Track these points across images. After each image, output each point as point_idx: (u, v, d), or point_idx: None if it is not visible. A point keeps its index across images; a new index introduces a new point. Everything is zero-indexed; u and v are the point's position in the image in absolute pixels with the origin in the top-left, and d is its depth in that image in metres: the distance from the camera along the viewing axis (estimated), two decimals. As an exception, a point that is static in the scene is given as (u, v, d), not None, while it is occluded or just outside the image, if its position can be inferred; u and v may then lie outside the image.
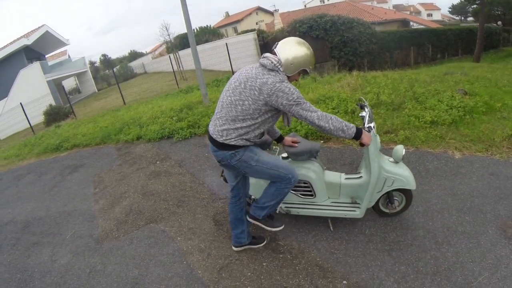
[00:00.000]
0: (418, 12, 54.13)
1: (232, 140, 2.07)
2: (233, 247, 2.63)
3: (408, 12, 44.49)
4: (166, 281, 2.50)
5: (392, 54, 18.40)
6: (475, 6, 31.66)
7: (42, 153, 7.29)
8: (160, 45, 38.67)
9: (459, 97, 4.71)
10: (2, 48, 19.24)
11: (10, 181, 6.00)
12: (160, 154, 5.24)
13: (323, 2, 39.83)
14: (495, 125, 4.01)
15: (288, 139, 2.62)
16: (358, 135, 2.04)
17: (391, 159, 2.52)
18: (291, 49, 2.03)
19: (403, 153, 2.43)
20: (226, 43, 14.65)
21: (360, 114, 2.45)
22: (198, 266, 2.57)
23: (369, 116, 2.32)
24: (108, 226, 3.45)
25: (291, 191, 2.62)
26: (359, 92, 5.59)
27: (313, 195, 2.62)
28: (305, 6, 40.82)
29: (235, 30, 35.76)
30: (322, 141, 4.33)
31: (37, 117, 14.01)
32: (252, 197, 2.94)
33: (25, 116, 13.19)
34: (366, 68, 14.80)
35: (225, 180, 2.86)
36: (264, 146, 2.56)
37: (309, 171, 2.55)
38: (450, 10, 52.50)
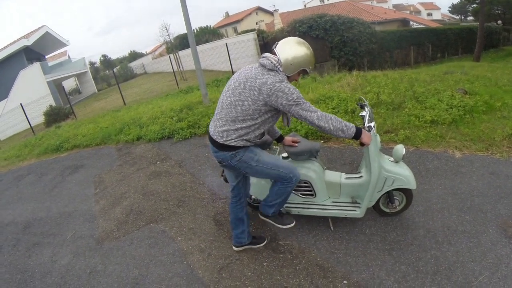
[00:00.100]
0: (418, 12, 54.12)
1: (232, 141, 2.07)
2: (234, 247, 2.63)
3: (408, 12, 44.48)
4: (167, 281, 2.50)
5: (392, 53, 18.40)
6: (475, 5, 31.63)
7: (43, 154, 7.29)
8: (160, 46, 38.68)
9: (459, 96, 4.71)
10: (2, 49, 19.24)
11: (10, 182, 6.00)
12: (160, 154, 5.24)
13: (323, 2, 39.80)
14: (495, 124, 4.00)
15: (288, 139, 2.62)
16: (357, 134, 2.04)
17: (391, 159, 2.52)
18: (291, 49, 2.03)
19: (403, 153, 2.42)
20: (226, 43, 14.66)
21: (360, 114, 2.45)
22: (198, 266, 2.57)
23: (369, 116, 2.32)
24: (109, 227, 3.45)
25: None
26: (359, 92, 5.59)
27: (313, 194, 2.62)
28: (305, 6, 40.82)
29: (235, 30, 35.77)
30: (322, 141, 4.33)
31: (37, 118, 14.02)
32: (253, 197, 2.95)
33: (25, 117, 13.21)
34: (366, 68, 14.79)
35: (225, 180, 2.86)
36: (264, 146, 2.56)
37: (309, 170, 2.55)
38: (450, 9, 52.53)
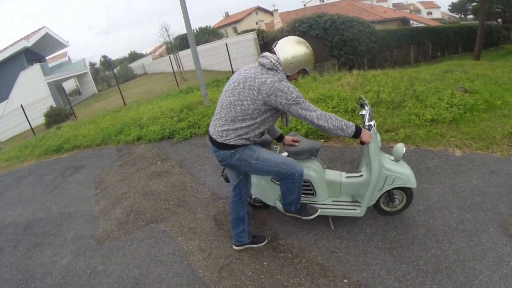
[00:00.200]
0: (418, 11, 54.09)
1: (232, 140, 2.07)
2: (234, 246, 2.63)
3: (408, 11, 44.43)
4: (167, 281, 2.50)
5: (392, 52, 18.38)
6: (475, 4, 31.64)
7: (43, 155, 7.30)
8: (160, 46, 38.73)
9: (459, 95, 4.70)
10: (2, 50, 19.28)
11: (11, 182, 6.01)
12: (160, 154, 5.24)
13: (323, 1, 39.77)
14: (496, 122, 4.00)
15: (288, 138, 2.62)
16: (357, 133, 2.03)
17: (392, 158, 2.51)
18: (291, 48, 2.03)
19: (404, 151, 2.42)
20: (226, 43, 14.66)
21: (360, 113, 2.45)
22: (198, 266, 2.57)
23: (369, 115, 2.32)
24: (109, 227, 3.45)
25: None
26: (359, 91, 5.58)
27: (313, 194, 2.61)
28: (304, 5, 40.78)
29: (235, 30, 35.79)
30: (322, 140, 4.33)
31: (38, 119, 14.04)
32: (253, 196, 2.94)
33: (25, 118, 13.23)
34: (366, 67, 14.77)
35: (226, 180, 2.86)
36: (264, 145, 2.56)
37: (310, 170, 2.55)
38: (449, 8, 52.44)
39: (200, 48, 16.41)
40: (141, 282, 2.54)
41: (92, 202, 4.16)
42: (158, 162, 4.92)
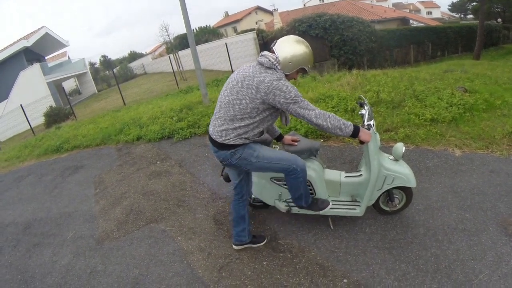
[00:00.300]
0: (418, 10, 54.06)
1: (231, 140, 2.07)
2: (234, 246, 2.63)
3: (408, 10, 44.42)
4: (167, 280, 2.50)
5: (391, 52, 18.38)
6: (474, 3, 31.65)
7: (43, 155, 7.30)
8: (160, 46, 38.70)
9: (459, 94, 4.70)
10: (2, 50, 19.27)
11: (10, 182, 6.01)
12: (160, 154, 5.24)
13: (323, 1, 39.75)
14: (495, 122, 4.00)
15: (287, 137, 2.62)
16: (355, 133, 2.04)
17: (391, 157, 2.51)
18: (290, 47, 2.02)
19: (403, 151, 2.42)
20: (225, 43, 14.66)
21: (359, 112, 2.46)
22: (198, 266, 2.57)
23: (368, 114, 2.32)
24: (109, 227, 3.45)
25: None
26: (359, 91, 5.58)
27: (313, 193, 2.61)
28: (304, 5, 40.77)
29: (235, 29, 35.78)
30: (322, 140, 4.32)
31: (38, 119, 14.04)
32: (253, 196, 2.94)
33: (25, 118, 13.23)
34: (366, 67, 14.77)
35: (225, 179, 2.86)
36: (264, 145, 2.56)
37: (309, 169, 2.54)
38: (449, 7, 52.36)
39: (200, 47, 16.40)
40: (141, 282, 2.54)
41: (92, 202, 4.16)
42: (158, 162, 4.92)
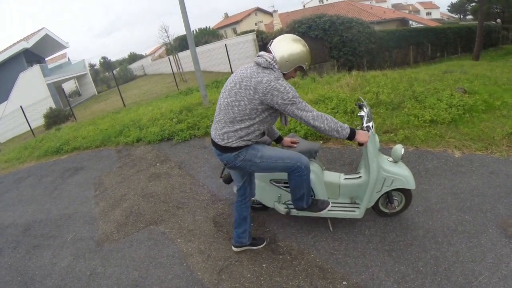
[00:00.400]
0: (417, 11, 54.18)
1: (234, 142, 2.07)
2: (233, 248, 2.63)
3: (407, 11, 44.53)
4: (166, 283, 2.50)
5: (391, 53, 18.41)
6: (474, 4, 31.72)
7: (43, 156, 7.29)
8: (160, 47, 38.70)
9: (458, 95, 4.71)
10: (2, 51, 19.29)
11: (10, 184, 6.01)
12: (160, 156, 5.24)
13: (322, 2, 39.84)
14: (495, 123, 4.00)
15: (287, 139, 2.62)
16: (351, 136, 2.05)
17: (390, 159, 2.52)
18: (286, 46, 2.02)
19: (402, 153, 2.42)
20: (225, 44, 14.66)
21: (358, 114, 2.46)
22: (198, 268, 2.57)
23: (367, 116, 2.32)
24: (109, 229, 3.45)
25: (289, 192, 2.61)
26: (359, 92, 5.59)
27: (312, 195, 2.61)
28: (304, 6, 40.85)
29: (234, 31, 35.81)
30: (321, 141, 4.33)
31: (37, 120, 14.04)
32: (252, 198, 2.94)
33: (25, 119, 13.23)
34: (365, 68, 14.80)
35: (225, 181, 2.86)
36: (263, 147, 2.56)
37: (308, 171, 2.54)
38: (449, 8, 52.46)
39: (199, 49, 16.40)
40: (141, 284, 2.54)
41: (92, 203, 4.16)
42: (158, 164, 4.92)
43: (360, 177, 2.55)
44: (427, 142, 3.82)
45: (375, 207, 2.64)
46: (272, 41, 2.09)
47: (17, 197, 5.16)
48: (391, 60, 18.02)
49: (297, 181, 2.27)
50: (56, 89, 20.30)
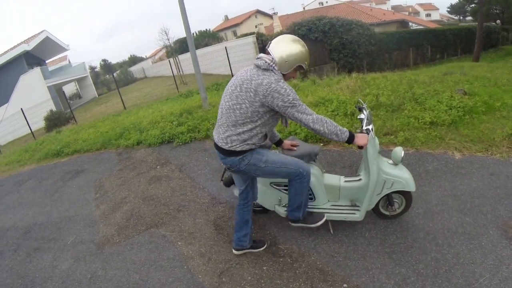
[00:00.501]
0: (417, 13, 54.26)
1: (238, 146, 2.08)
2: (234, 251, 2.63)
3: (407, 13, 44.63)
4: (167, 286, 2.49)
5: (391, 55, 18.45)
6: (473, 5, 31.75)
7: (43, 159, 7.30)
8: (160, 50, 38.81)
9: (458, 97, 4.71)
10: (2, 54, 19.35)
11: (11, 186, 6.02)
12: (160, 159, 5.24)
13: (322, 4, 39.94)
14: (495, 124, 4.01)
15: (287, 142, 2.62)
16: (350, 139, 2.06)
17: (390, 161, 2.52)
18: (285, 46, 2.02)
19: (402, 155, 2.43)
20: (225, 47, 14.69)
21: (358, 117, 2.46)
22: (198, 271, 2.57)
23: (367, 119, 2.32)
24: (109, 231, 3.45)
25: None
26: (359, 94, 5.60)
27: (312, 198, 2.61)
28: (303, 8, 40.94)
29: (235, 33, 35.87)
30: (321, 144, 4.33)
31: (38, 123, 14.05)
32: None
33: (26, 122, 13.24)
34: (365, 70, 14.83)
35: (225, 184, 2.86)
36: (264, 149, 2.57)
37: (309, 174, 2.55)
38: (448, 9, 52.59)
39: (199, 51, 16.43)
40: (141, 287, 2.54)
41: (92, 206, 4.16)
42: (158, 167, 4.93)
43: (360, 179, 2.55)
44: (427, 144, 3.82)
45: (375, 210, 2.64)
46: (270, 43, 2.09)
47: (18, 200, 5.16)
48: (391, 62, 18.06)
49: (297, 188, 2.28)
50: (56, 91, 20.35)
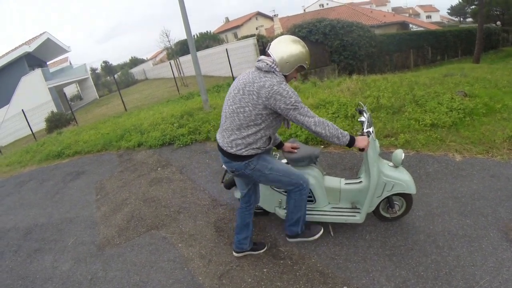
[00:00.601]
0: (417, 14, 54.35)
1: (244, 151, 2.07)
2: (234, 253, 2.63)
3: (407, 15, 44.67)
4: (167, 287, 2.50)
5: (391, 57, 18.45)
6: (473, 6, 31.76)
7: (44, 160, 7.32)
8: (161, 52, 38.89)
9: (459, 99, 4.72)
10: (4, 55, 19.42)
11: (12, 187, 6.03)
12: (161, 160, 5.25)
13: (322, 7, 40.02)
14: (496, 126, 4.01)
15: (287, 145, 2.62)
16: (351, 142, 2.06)
17: (391, 164, 2.52)
18: (285, 47, 2.02)
19: (403, 157, 2.43)
20: (226, 49, 14.72)
21: (359, 119, 2.46)
22: (199, 273, 2.57)
23: (368, 121, 2.33)
24: (110, 233, 3.45)
25: None
26: (359, 96, 5.60)
27: (313, 200, 2.62)
28: (304, 10, 41.05)
29: (235, 35, 35.95)
30: (322, 146, 4.33)
31: (39, 124, 14.08)
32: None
33: (27, 123, 13.27)
34: (366, 72, 14.82)
35: (226, 186, 2.86)
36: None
37: (309, 176, 2.55)
38: (449, 11, 52.59)
39: (200, 53, 16.46)
40: (142, 289, 2.54)
41: (93, 208, 4.17)
42: (159, 168, 4.93)
43: (360, 182, 2.55)
44: (427, 146, 3.82)
45: (376, 212, 2.64)
46: (270, 44, 2.09)
47: (19, 201, 5.17)
48: (391, 63, 18.07)
49: (297, 200, 2.29)
50: (57, 93, 20.40)
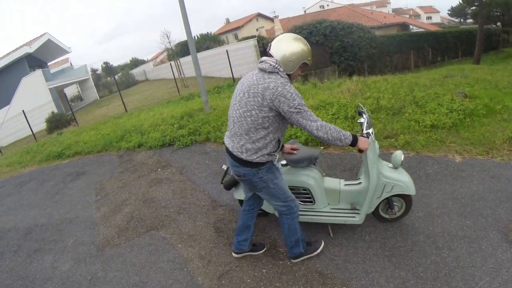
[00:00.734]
0: (418, 15, 54.39)
1: (255, 157, 2.06)
2: (233, 254, 2.63)
3: (408, 16, 44.68)
4: (167, 288, 2.50)
5: (392, 58, 18.46)
6: (474, 7, 31.80)
7: (44, 161, 7.33)
8: (161, 53, 38.93)
9: (459, 100, 4.72)
10: (5, 56, 19.46)
11: (12, 188, 6.04)
12: (161, 161, 5.26)
13: (323, 8, 40.08)
14: (496, 127, 4.00)
15: (287, 146, 2.62)
16: (354, 142, 2.05)
17: (390, 165, 2.52)
18: (287, 45, 1.99)
19: (402, 159, 2.43)
20: (226, 50, 14.73)
21: (358, 121, 2.46)
22: (198, 273, 2.57)
23: (367, 122, 2.33)
24: (110, 233, 3.46)
25: None
26: (359, 97, 5.60)
27: (312, 201, 2.62)
28: (304, 11, 41.09)
29: (236, 36, 35.99)
30: (322, 147, 4.33)
31: (39, 125, 14.09)
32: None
33: (27, 124, 13.28)
34: (366, 73, 14.82)
35: (226, 187, 2.86)
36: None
37: (309, 178, 2.56)
38: (449, 12, 52.62)
39: (200, 55, 16.49)
40: (141, 290, 2.54)
41: (93, 208, 4.17)
42: (159, 169, 4.94)
43: (360, 183, 2.55)
44: (427, 147, 3.82)
45: (375, 213, 2.64)
46: (271, 44, 2.07)
47: (19, 201, 5.18)
48: (392, 65, 18.07)
49: (290, 224, 2.31)
50: (58, 93, 20.41)
